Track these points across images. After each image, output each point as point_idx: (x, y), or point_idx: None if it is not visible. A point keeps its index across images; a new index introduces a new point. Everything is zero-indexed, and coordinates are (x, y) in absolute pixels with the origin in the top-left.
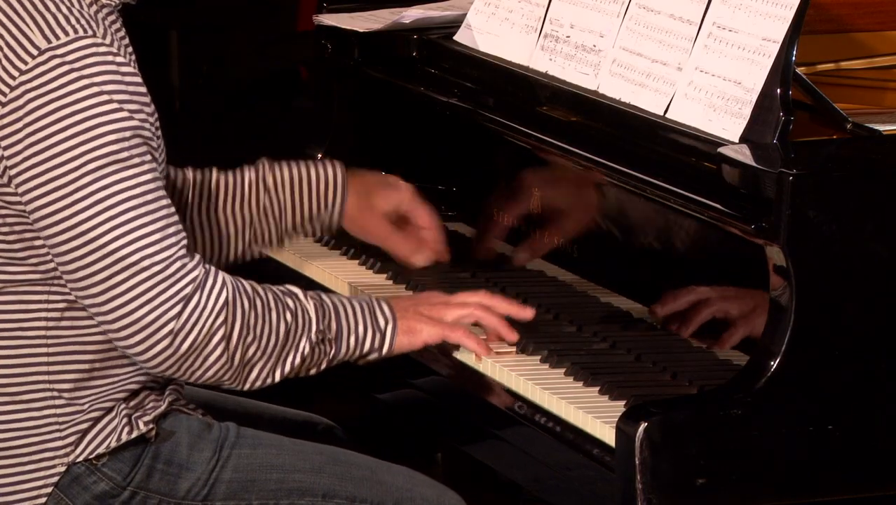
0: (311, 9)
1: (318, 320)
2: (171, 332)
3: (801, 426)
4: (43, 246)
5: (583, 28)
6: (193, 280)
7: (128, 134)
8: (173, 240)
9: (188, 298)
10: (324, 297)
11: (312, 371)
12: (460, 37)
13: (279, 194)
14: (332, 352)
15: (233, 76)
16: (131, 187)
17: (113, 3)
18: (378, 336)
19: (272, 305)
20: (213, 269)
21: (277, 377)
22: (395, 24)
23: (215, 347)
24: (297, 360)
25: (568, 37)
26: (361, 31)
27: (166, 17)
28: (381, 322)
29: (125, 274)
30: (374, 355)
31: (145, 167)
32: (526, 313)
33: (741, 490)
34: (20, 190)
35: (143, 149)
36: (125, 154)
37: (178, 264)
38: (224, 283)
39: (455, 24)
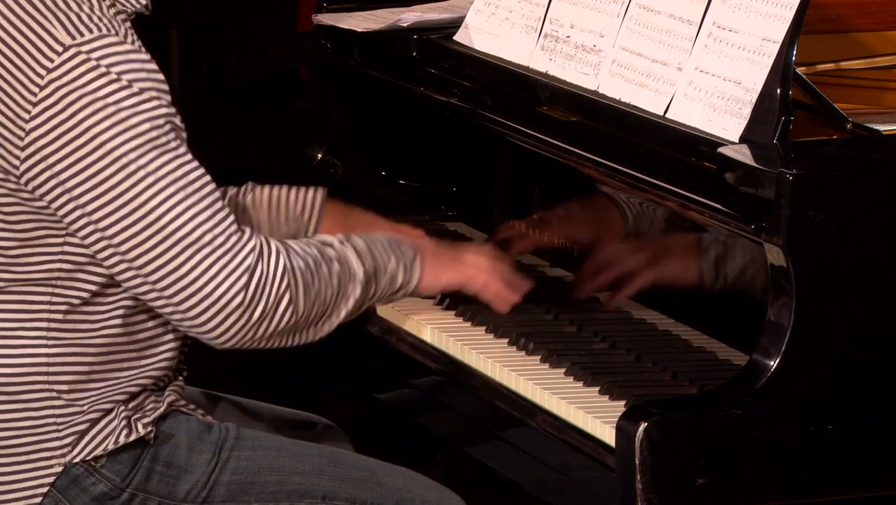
0: (311, 9)
1: (359, 264)
2: (241, 303)
3: (801, 426)
4: (54, 245)
5: (583, 28)
6: (253, 249)
7: (161, 121)
8: (224, 214)
9: (252, 269)
10: (355, 238)
11: (355, 313)
12: (460, 37)
13: (256, 213)
14: (372, 291)
15: (233, 76)
16: (176, 168)
17: (128, 11)
18: (408, 269)
19: (321, 259)
20: (264, 237)
21: (334, 325)
22: (393, 26)
23: (285, 311)
24: (351, 304)
25: (568, 37)
26: (360, 31)
27: (166, 17)
28: (409, 255)
29: (188, 252)
30: (400, 293)
31: (182, 149)
32: (515, 296)
33: (741, 490)
34: (57, 191)
35: (176, 134)
36: (164, 139)
37: (235, 237)
38: (279, 249)
39: (453, 25)
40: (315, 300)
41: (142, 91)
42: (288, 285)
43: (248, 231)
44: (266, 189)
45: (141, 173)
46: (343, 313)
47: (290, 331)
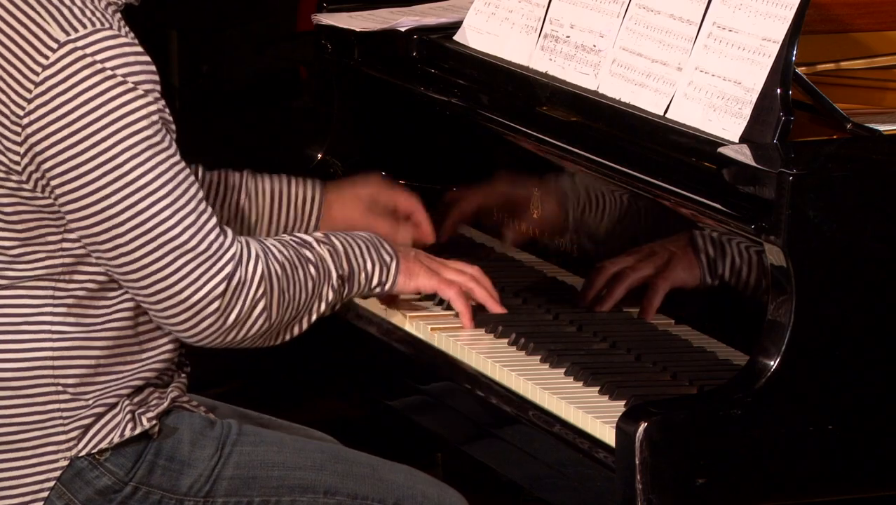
0: (311, 9)
1: (335, 266)
2: (217, 309)
3: (801, 426)
4: (53, 242)
5: (583, 28)
6: (233, 257)
7: (155, 118)
8: (207, 217)
9: (231, 275)
10: (332, 238)
11: (328, 313)
12: (460, 37)
13: (258, 202)
14: (346, 291)
15: (233, 76)
16: (167, 170)
17: (118, 2)
18: (385, 272)
19: (297, 263)
20: (244, 241)
21: (305, 327)
22: (391, 29)
23: (258, 317)
24: (323, 307)
25: (568, 37)
26: (358, 30)
27: (166, 17)
28: (387, 258)
29: (170, 256)
30: (377, 290)
31: (173, 149)
32: (500, 308)
33: (741, 490)
34: (54, 182)
35: (166, 130)
36: (157, 137)
37: (217, 243)
38: (258, 254)
39: (452, 28)
40: (289, 305)
41: (136, 87)
42: (264, 293)
43: (229, 235)
44: (266, 180)
45: (132, 174)
46: (315, 316)
47: (264, 333)
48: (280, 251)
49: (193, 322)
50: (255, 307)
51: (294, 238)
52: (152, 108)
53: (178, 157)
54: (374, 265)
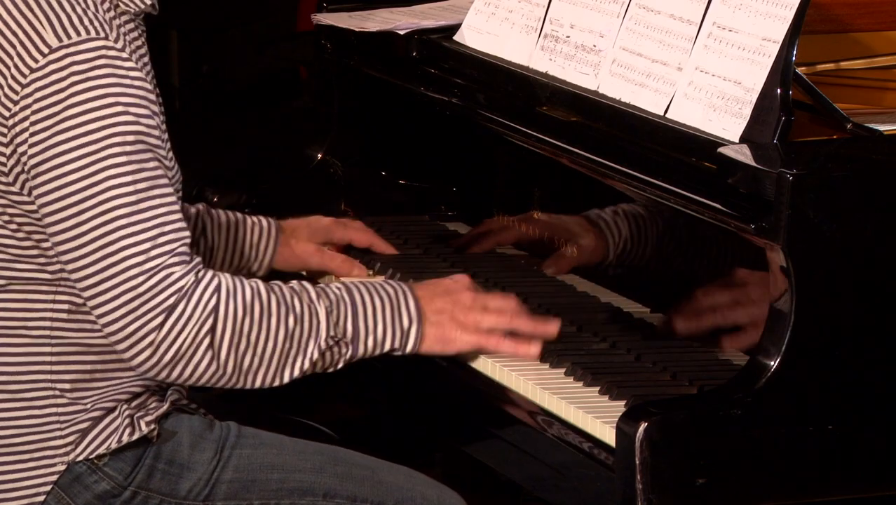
0: (311, 9)
1: (328, 325)
2: (152, 342)
3: (801, 426)
4: (49, 248)
5: (583, 28)
6: (178, 290)
7: (130, 138)
8: (163, 248)
9: (171, 309)
10: (343, 295)
11: (330, 370)
12: (460, 37)
13: (213, 236)
14: (349, 353)
15: (233, 76)
16: (128, 193)
17: (132, 11)
18: (400, 336)
19: (273, 309)
20: (205, 274)
21: (286, 379)
22: (390, 31)
23: (203, 356)
24: (306, 364)
25: (568, 37)
26: (357, 30)
27: (166, 17)
28: (405, 322)
29: (112, 282)
30: (397, 353)
31: (145, 174)
32: (551, 331)
33: (741, 490)
34: (32, 183)
35: (148, 153)
36: (124, 158)
37: (163, 273)
38: (216, 290)
39: (451, 29)
40: (247, 351)
41: (119, 102)
42: (210, 330)
43: (188, 266)
44: (222, 214)
45: (91, 191)
46: (297, 370)
47: (215, 374)
48: (255, 293)
49: (132, 352)
50: (198, 345)
51: (294, 286)
52: (131, 127)
53: (147, 183)
54: (385, 329)
